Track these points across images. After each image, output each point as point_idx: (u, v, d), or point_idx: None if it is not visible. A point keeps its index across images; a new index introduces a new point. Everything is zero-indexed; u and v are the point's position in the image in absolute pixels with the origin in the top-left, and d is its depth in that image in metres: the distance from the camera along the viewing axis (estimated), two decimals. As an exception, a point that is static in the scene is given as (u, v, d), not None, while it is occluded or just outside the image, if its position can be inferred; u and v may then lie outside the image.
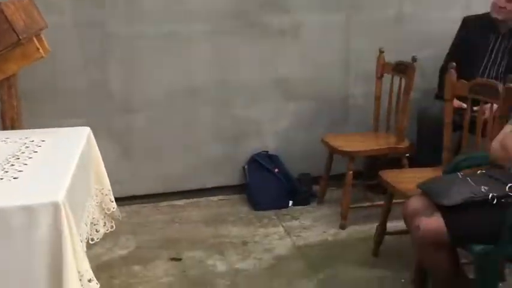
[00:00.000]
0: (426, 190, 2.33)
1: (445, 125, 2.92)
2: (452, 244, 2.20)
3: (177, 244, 3.18)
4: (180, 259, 3.02)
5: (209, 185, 3.79)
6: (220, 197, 3.79)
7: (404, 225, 2.52)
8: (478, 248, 2.14)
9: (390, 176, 2.89)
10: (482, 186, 2.18)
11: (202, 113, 3.70)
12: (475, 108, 2.88)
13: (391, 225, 2.99)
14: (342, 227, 3.33)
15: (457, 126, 3.02)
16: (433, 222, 2.17)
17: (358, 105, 3.86)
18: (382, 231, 2.98)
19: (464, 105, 2.95)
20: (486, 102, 2.77)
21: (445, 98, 2.92)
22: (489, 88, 2.68)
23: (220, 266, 2.95)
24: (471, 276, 2.33)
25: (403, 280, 2.75)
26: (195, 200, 3.75)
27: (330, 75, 3.82)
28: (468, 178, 2.26)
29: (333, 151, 3.47)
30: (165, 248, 3.13)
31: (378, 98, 3.60)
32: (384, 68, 3.57)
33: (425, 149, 3.40)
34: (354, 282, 2.79)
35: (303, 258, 3.03)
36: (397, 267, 2.85)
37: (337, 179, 3.68)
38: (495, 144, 2.35)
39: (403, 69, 3.37)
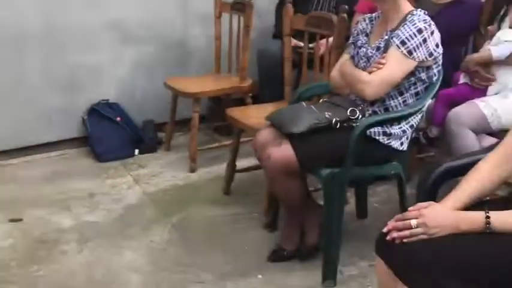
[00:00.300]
0: (273, 121, 2.36)
1: (284, 60, 2.97)
2: (302, 170, 2.26)
3: (15, 204, 2.92)
4: (20, 219, 2.78)
5: (46, 140, 3.52)
6: (60, 152, 3.55)
7: (253, 162, 2.55)
8: (325, 172, 2.23)
9: (237, 113, 2.89)
10: (326, 113, 2.25)
11: (31, 60, 3.38)
12: (311, 45, 2.96)
13: (240, 164, 3.03)
14: (192, 170, 3.30)
15: (295, 64, 3.09)
16: (283, 151, 2.21)
17: (198, 47, 3.80)
18: (232, 169, 2.99)
19: (301, 44, 3.02)
20: (322, 38, 2.86)
21: (283, 33, 2.96)
22: (324, 20, 2.76)
23: (67, 222, 2.77)
24: (320, 202, 2.43)
25: (255, 214, 2.80)
26: (31, 157, 3.47)
27: (167, 17, 3.70)
28: (312, 106, 2.33)
29: (177, 94, 3.39)
30: (1, 210, 2.86)
31: (217, 38, 3.56)
32: (221, 7, 3.52)
33: (267, 87, 3.47)
34: (207, 222, 2.79)
35: (154, 204, 2.96)
36: (249, 203, 2.89)
37: (182, 125, 3.64)
38: (334, 73, 2.44)
39: (241, 7, 3.36)
